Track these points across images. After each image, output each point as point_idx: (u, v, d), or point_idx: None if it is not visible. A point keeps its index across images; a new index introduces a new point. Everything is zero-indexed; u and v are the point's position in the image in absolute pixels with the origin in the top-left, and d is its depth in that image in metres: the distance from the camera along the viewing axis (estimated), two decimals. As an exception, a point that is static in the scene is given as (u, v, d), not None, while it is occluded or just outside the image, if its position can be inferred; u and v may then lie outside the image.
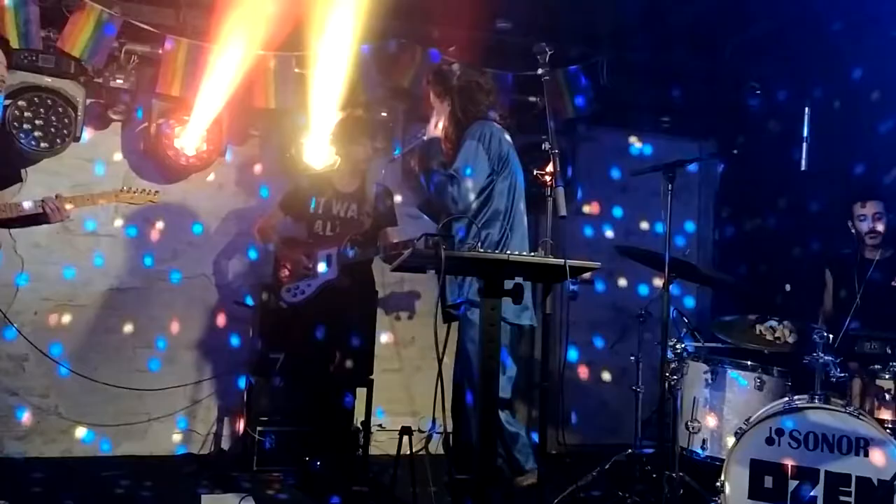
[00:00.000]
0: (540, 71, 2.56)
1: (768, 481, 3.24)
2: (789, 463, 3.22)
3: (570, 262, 2.16)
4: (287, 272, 4.25)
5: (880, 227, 4.04)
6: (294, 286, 4.20)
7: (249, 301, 4.80)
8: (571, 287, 2.95)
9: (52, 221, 3.56)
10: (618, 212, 5.34)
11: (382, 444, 4.86)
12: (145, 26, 4.44)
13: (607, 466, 4.16)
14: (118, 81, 4.53)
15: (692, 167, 5.03)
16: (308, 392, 4.37)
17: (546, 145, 2.50)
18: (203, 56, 4.52)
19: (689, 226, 5.61)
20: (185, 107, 4.62)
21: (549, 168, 2.44)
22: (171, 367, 4.78)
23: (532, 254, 2.26)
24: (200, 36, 4.55)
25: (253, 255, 4.87)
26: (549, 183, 2.40)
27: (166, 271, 4.83)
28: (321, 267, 4.16)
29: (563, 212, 2.34)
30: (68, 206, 3.55)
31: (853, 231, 4.15)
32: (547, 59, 2.56)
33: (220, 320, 4.89)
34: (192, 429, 4.82)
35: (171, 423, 4.78)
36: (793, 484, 3.20)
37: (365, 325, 4.51)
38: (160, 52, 4.50)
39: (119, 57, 4.49)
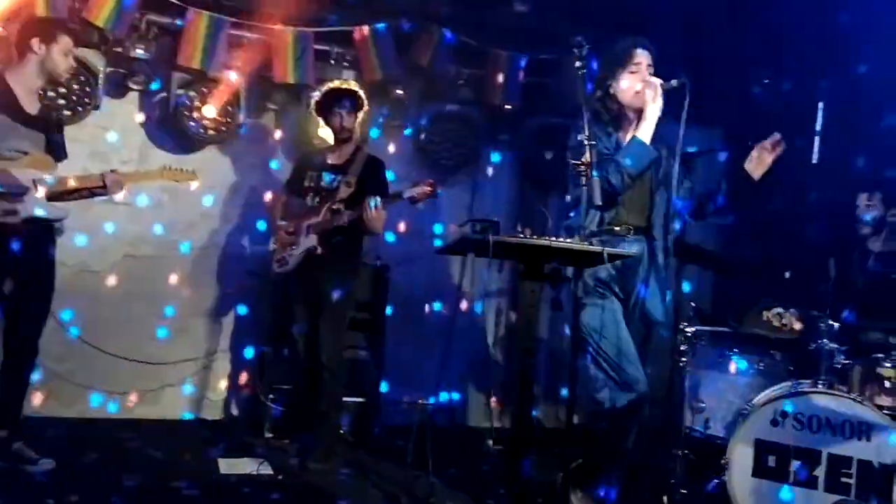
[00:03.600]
0: (577, 64, 2.64)
1: (771, 461, 3.39)
2: (792, 444, 3.36)
3: (609, 249, 2.27)
4: (277, 243, 4.34)
5: (884, 219, 4.17)
6: (280, 257, 4.29)
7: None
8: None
9: (109, 195, 3.73)
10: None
11: (393, 415, 4.98)
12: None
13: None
14: (139, 51, 4.55)
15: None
16: (316, 362, 4.44)
17: (582, 137, 2.59)
18: (224, 29, 4.56)
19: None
20: (204, 79, 4.66)
21: (586, 158, 2.53)
22: (184, 335, 4.88)
23: (569, 240, 2.36)
24: (222, 9, 4.58)
25: (263, 227, 4.94)
26: (584, 172, 2.49)
27: (179, 241, 4.90)
28: (303, 237, 4.24)
29: (598, 201, 2.44)
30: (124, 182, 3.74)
31: (857, 222, 4.27)
32: (584, 52, 2.64)
33: (232, 290, 4.97)
34: (205, 395, 4.92)
35: (183, 390, 4.88)
36: (795, 464, 3.35)
37: (371, 299, 4.65)
38: (181, 23, 4.53)
39: (140, 27, 4.52)
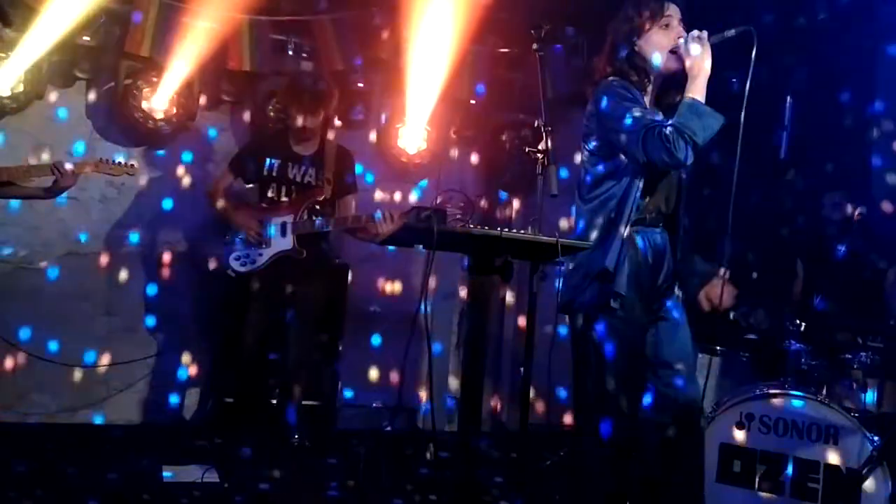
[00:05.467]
0: (535, 46, 2.50)
1: (737, 465, 3.28)
2: (758, 448, 3.25)
3: (563, 240, 2.13)
4: (236, 239, 4.07)
5: (853, 218, 4.09)
6: (244, 254, 4.03)
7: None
8: None
9: (61, 187, 3.59)
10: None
11: (350, 419, 4.82)
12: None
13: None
14: (85, 39, 4.35)
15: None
16: (274, 364, 4.26)
17: (538, 122, 2.44)
18: (175, 15, 4.37)
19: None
20: (154, 67, 4.47)
21: (542, 145, 2.39)
22: (133, 335, 4.66)
23: (522, 232, 2.22)
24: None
25: (214, 223, 4.73)
26: (541, 160, 2.35)
27: (128, 237, 4.69)
28: (275, 236, 4.02)
29: (554, 190, 2.31)
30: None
31: (825, 221, 4.20)
32: (542, 34, 2.50)
33: (184, 289, 4.76)
34: (153, 398, 4.71)
35: (131, 392, 4.66)
36: (761, 469, 3.24)
37: (331, 300, 4.47)
38: (130, 9, 4.34)
39: (88, 14, 4.31)
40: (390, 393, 4.89)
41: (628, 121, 2.54)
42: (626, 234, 2.55)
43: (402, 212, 3.76)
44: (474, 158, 5.35)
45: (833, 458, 3.10)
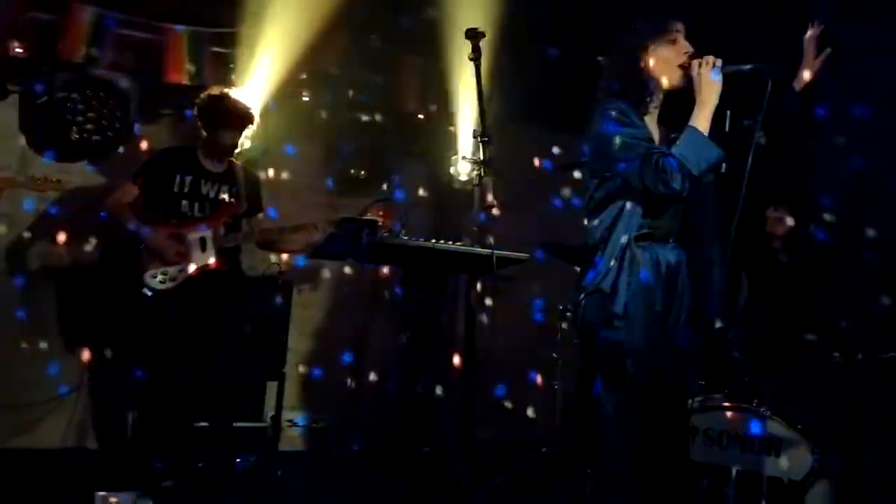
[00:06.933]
0: (472, 55, 2.46)
1: (681, 479, 3.25)
2: (702, 461, 3.24)
3: (499, 252, 2.08)
4: (152, 256, 3.90)
5: (795, 232, 4.14)
6: (161, 271, 3.88)
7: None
8: None
9: None
10: (538, 209, 5.30)
11: (293, 439, 4.70)
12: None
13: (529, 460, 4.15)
14: (18, 51, 4.21)
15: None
16: (213, 384, 4.12)
17: (475, 131, 2.39)
18: (112, 26, 4.26)
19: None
20: (90, 80, 4.33)
21: (478, 156, 2.35)
22: (63, 357, 4.47)
23: (458, 243, 2.17)
24: (110, 4, 4.29)
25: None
26: (478, 172, 2.30)
27: (61, 256, 4.51)
28: (195, 251, 3.93)
29: (491, 201, 2.26)
30: None
31: (769, 235, 4.24)
32: (480, 42, 2.46)
33: (116, 309, 4.58)
34: (85, 422, 4.52)
35: (62, 416, 4.47)
36: (704, 482, 3.22)
37: (272, 317, 4.39)
38: (63, 18, 4.22)
39: (20, 24, 4.18)
40: (338, 412, 4.80)
41: (625, 149, 2.47)
42: (627, 254, 2.47)
43: (328, 221, 3.57)
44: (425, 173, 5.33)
45: (776, 470, 3.10)
